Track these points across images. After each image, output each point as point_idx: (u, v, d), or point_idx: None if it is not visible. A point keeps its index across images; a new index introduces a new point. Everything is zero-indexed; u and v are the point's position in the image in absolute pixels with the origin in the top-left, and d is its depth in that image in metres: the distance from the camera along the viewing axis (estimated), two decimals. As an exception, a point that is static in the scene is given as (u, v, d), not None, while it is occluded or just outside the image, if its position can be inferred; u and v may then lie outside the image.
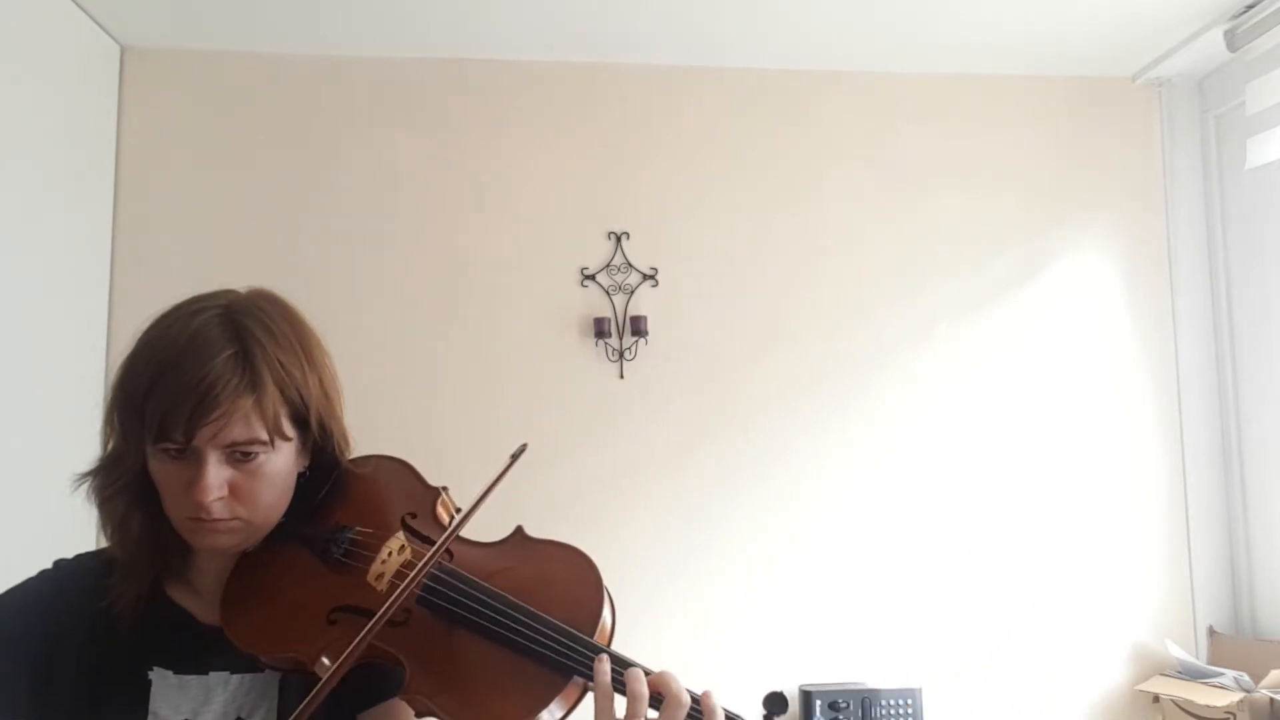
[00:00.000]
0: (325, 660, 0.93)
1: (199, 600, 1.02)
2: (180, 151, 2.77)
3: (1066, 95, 3.04)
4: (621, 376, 2.80)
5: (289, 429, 0.96)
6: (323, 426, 1.00)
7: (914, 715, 2.61)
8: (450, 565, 0.98)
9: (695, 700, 0.92)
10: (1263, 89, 2.68)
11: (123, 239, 2.71)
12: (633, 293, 2.84)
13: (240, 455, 0.93)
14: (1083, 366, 2.95)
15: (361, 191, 2.81)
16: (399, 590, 0.89)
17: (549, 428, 2.75)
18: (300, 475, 1.02)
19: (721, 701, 0.93)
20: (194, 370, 0.90)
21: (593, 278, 2.84)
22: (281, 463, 0.97)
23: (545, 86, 2.90)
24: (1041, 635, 2.81)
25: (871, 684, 2.65)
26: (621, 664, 0.92)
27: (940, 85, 3.01)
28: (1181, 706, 2.56)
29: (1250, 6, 2.58)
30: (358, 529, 1.01)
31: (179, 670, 0.99)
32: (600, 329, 2.79)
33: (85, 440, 2.82)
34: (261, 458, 0.94)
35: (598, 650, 0.92)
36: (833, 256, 2.93)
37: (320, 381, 1.00)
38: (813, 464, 2.84)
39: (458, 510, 1.06)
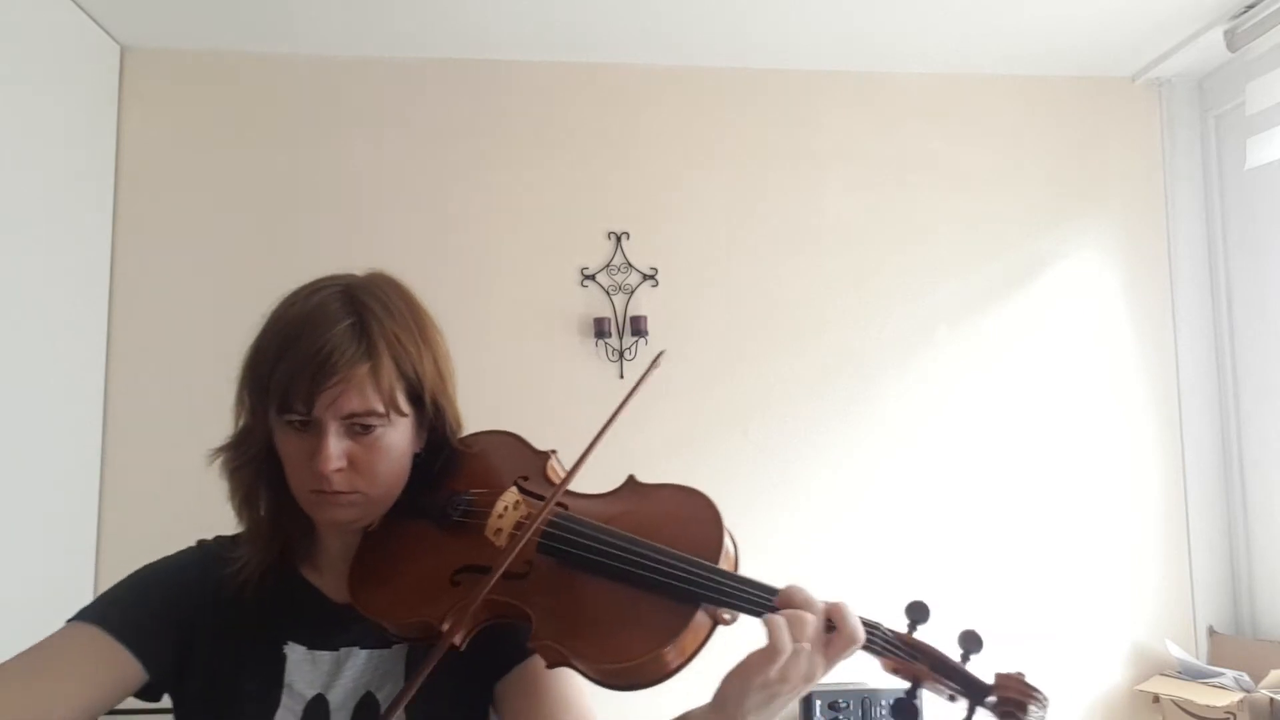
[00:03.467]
0: (452, 621, 0.93)
1: (328, 578, 1.06)
2: (180, 151, 2.77)
3: (1066, 95, 3.04)
4: (621, 376, 2.80)
5: (404, 404, 0.99)
6: (436, 405, 1.03)
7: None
8: (567, 513, 0.98)
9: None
10: (1263, 89, 2.68)
11: (123, 239, 2.71)
12: (633, 293, 2.85)
13: (359, 428, 0.96)
14: (1083, 367, 2.95)
15: (361, 191, 2.81)
16: (527, 530, 0.89)
17: (548, 428, 2.74)
18: (415, 456, 1.04)
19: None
20: (313, 340, 0.94)
21: (593, 278, 2.84)
22: (398, 438, 0.99)
23: (545, 86, 2.90)
24: (1041, 635, 2.81)
25: (871, 684, 2.65)
26: (754, 594, 0.88)
27: (940, 85, 3.01)
28: (1181, 706, 2.56)
29: (1250, 6, 2.58)
30: (472, 492, 1.03)
31: (311, 646, 1.02)
32: (600, 329, 2.79)
33: (84, 439, 2.83)
34: (379, 430, 0.97)
35: (723, 577, 0.89)
36: (833, 257, 2.93)
37: (435, 360, 1.03)
38: (812, 464, 2.84)
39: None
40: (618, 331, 2.81)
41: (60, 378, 2.46)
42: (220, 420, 2.98)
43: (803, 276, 2.91)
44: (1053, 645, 2.81)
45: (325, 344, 0.93)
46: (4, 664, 0.93)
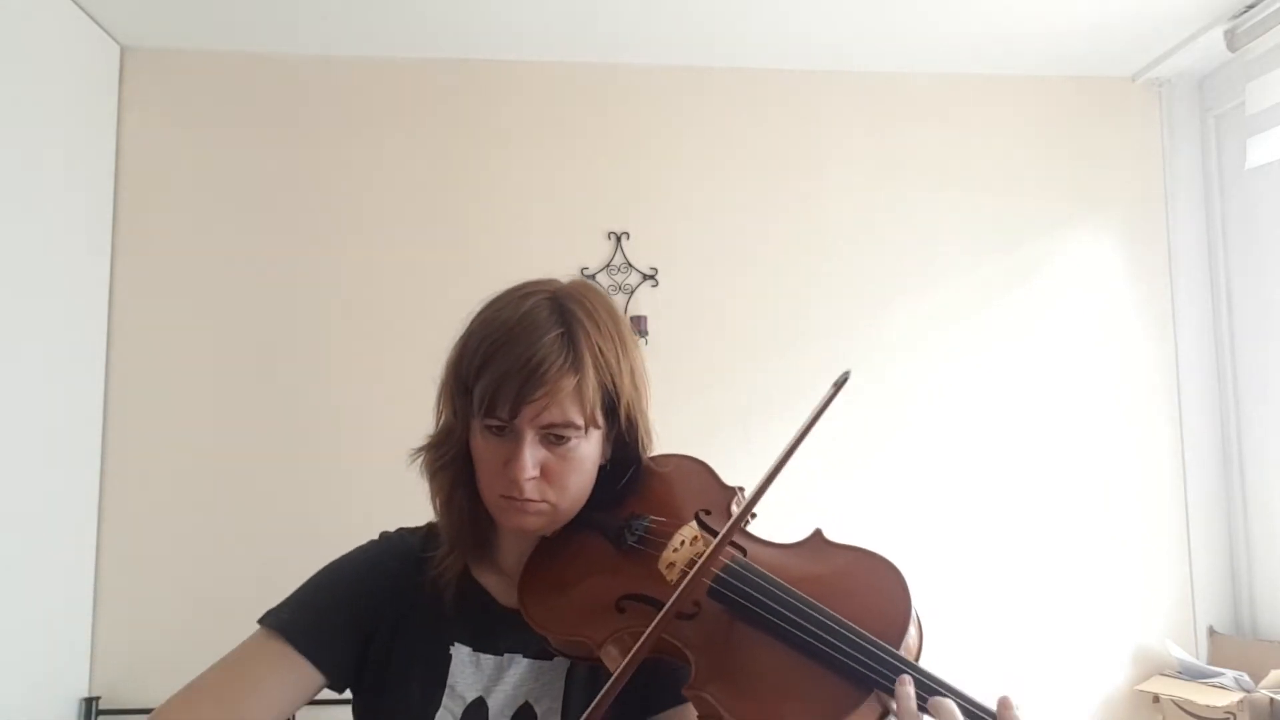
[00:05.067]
0: (611, 649, 0.91)
1: (499, 582, 1.06)
2: (180, 151, 2.77)
3: (1066, 95, 3.04)
4: (621, 376, 2.80)
5: (600, 417, 0.99)
6: (630, 419, 1.03)
7: (914, 715, 2.61)
8: (744, 560, 0.94)
9: None
10: (1263, 89, 2.68)
11: (122, 238, 2.71)
12: (633, 293, 2.84)
13: (554, 438, 0.96)
14: (1083, 367, 2.95)
15: (361, 191, 2.81)
16: (691, 572, 0.86)
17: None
18: (601, 468, 1.04)
19: None
20: (524, 348, 0.94)
21: (593, 278, 2.84)
22: (590, 450, 1.00)
23: (545, 86, 2.90)
24: (1042, 635, 2.81)
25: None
26: (929, 687, 0.82)
27: (940, 85, 3.00)
28: (1181, 706, 2.56)
29: (1250, 6, 2.58)
30: (651, 518, 1.01)
31: (476, 648, 1.02)
32: (600, 329, 2.78)
33: (82, 439, 2.82)
34: (573, 442, 0.97)
35: (904, 666, 0.83)
36: (833, 256, 2.93)
37: (632, 372, 1.03)
38: (812, 464, 2.83)
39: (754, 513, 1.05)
40: (618, 331, 2.81)
41: (60, 377, 2.45)
42: (220, 421, 2.98)
43: (802, 276, 2.91)
44: (1053, 645, 2.81)
45: (535, 354, 0.93)
46: (198, 680, 0.95)
